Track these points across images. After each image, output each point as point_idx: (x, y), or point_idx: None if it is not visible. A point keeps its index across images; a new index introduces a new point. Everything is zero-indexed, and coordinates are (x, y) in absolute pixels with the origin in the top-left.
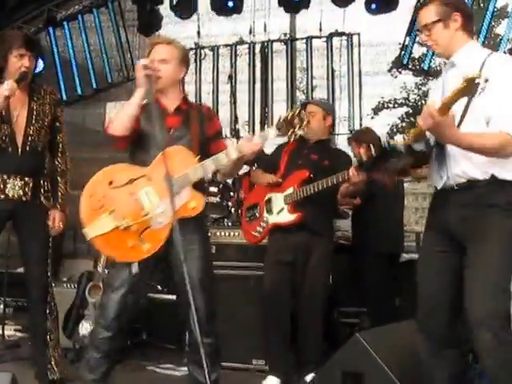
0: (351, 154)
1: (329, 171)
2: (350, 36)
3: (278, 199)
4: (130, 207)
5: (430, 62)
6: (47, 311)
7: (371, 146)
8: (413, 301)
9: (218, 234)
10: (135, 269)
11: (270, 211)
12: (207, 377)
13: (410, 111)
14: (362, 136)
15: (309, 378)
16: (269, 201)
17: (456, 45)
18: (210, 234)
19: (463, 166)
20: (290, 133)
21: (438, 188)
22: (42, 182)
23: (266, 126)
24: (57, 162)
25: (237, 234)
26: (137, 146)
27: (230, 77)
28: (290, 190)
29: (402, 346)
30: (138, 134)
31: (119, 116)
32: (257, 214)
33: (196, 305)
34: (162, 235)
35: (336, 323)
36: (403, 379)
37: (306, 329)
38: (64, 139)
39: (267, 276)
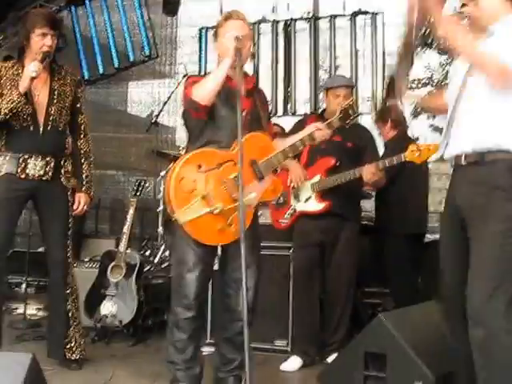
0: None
1: (354, 153)
2: (374, 15)
3: (304, 186)
4: (221, 192)
5: None
6: (67, 291)
7: None
8: (436, 282)
9: None
10: (219, 250)
11: (296, 198)
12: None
13: (434, 91)
14: (387, 114)
15: (331, 358)
16: (295, 187)
17: (500, 14)
18: None
19: (468, 133)
20: (348, 121)
21: (442, 155)
22: (63, 162)
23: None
24: (79, 144)
25: (260, 213)
26: (206, 125)
27: (253, 55)
28: (316, 178)
29: (424, 326)
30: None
31: (205, 84)
32: (284, 200)
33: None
34: (248, 218)
35: (359, 304)
36: (426, 360)
37: (332, 309)
38: (85, 120)
39: (297, 258)
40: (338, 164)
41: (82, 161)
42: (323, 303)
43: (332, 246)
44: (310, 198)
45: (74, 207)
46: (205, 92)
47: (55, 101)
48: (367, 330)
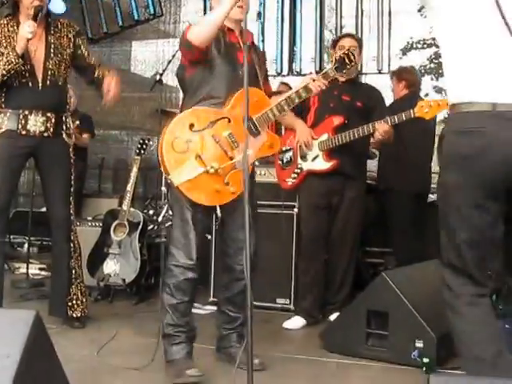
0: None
1: (363, 113)
2: None
3: (312, 145)
4: (216, 151)
5: None
6: (70, 249)
7: None
8: (438, 241)
9: None
10: (219, 212)
11: (304, 157)
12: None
13: (439, 52)
14: (404, 74)
15: (333, 317)
16: (302, 146)
17: None
18: None
19: None
20: (344, 71)
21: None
22: (64, 118)
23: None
24: (98, 72)
25: (263, 172)
26: (203, 79)
27: (259, 14)
28: (324, 137)
29: (427, 285)
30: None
31: (203, 23)
32: (290, 159)
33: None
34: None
35: (361, 263)
36: (428, 318)
37: (336, 269)
38: (97, 60)
39: (305, 219)
40: (346, 122)
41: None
42: (327, 262)
43: (338, 205)
44: (317, 156)
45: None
46: (200, 32)
47: (52, 55)
48: (370, 288)
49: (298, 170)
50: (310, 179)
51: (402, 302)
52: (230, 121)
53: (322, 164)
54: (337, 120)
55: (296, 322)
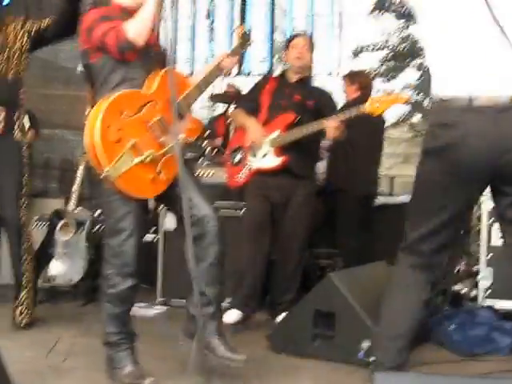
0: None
1: (314, 112)
2: None
3: (262, 143)
4: (148, 137)
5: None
6: (20, 253)
7: None
8: (385, 243)
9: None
10: (152, 204)
11: (253, 155)
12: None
13: (390, 55)
14: (356, 77)
15: (280, 318)
16: (253, 144)
17: None
18: None
19: None
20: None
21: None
22: (16, 115)
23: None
24: None
25: (211, 173)
26: (113, 61)
27: (209, 13)
28: (275, 134)
29: (373, 286)
30: None
31: (138, 21)
32: (241, 158)
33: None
34: (175, 162)
35: (308, 265)
36: (374, 319)
37: (283, 269)
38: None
39: (249, 207)
40: (298, 120)
41: None
42: (274, 263)
43: (286, 204)
44: (267, 153)
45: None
46: (139, 30)
47: None
48: (317, 288)
49: (248, 167)
50: (257, 177)
51: (348, 303)
52: (157, 105)
53: (271, 160)
54: (289, 117)
55: (231, 316)
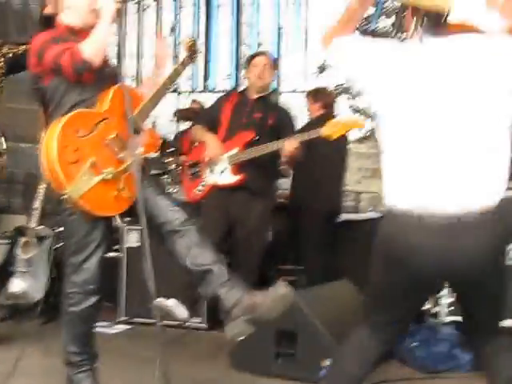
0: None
1: (273, 131)
2: None
3: (220, 159)
4: (107, 155)
5: (377, 23)
6: None
7: None
8: (349, 260)
9: None
10: (118, 221)
11: (211, 171)
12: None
13: None
14: (319, 95)
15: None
16: (211, 160)
17: None
18: None
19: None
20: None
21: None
22: None
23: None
24: None
25: (175, 190)
26: (66, 82)
27: (173, 29)
28: (234, 151)
29: (336, 303)
30: None
31: (94, 41)
32: (198, 173)
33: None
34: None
35: (273, 281)
36: (337, 336)
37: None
38: None
39: (205, 225)
40: (257, 139)
41: None
42: None
43: (242, 221)
44: (225, 170)
45: None
46: (96, 50)
47: None
48: None
49: (205, 183)
50: (214, 193)
51: (309, 321)
52: (112, 121)
53: (228, 177)
54: (248, 136)
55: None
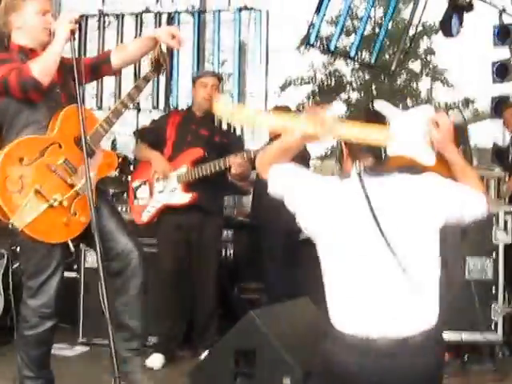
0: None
1: (220, 148)
2: (258, 11)
3: (169, 178)
4: (55, 181)
5: (337, 42)
6: None
7: None
8: (311, 278)
9: None
10: (72, 246)
11: (161, 191)
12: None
13: (316, 90)
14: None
15: (203, 356)
16: (159, 179)
17: None
18: None
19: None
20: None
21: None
22: None
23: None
24: None
25: (124, 209)
26: (16, 104)
27: None
28: (183, 169)
29: (295, 322)
30: None
31: (45, 60)
32: (146, 193)
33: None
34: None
35: (237, 299)
36: (296, 354)
37: (200, 307)
38: None
39: (164, 255)
40: (206, 156)
41: None
42: (192, 301)
43: (197, 241)
44: (175, 189)
45: None
46: (47, 69)
47: None
48: (238, 326)
49: (155, 204)
50: (167, 214)
51: (268, 340)
52: (60, 146)
53: (180, 197)
54: (196, 153)
55: (155, 361)
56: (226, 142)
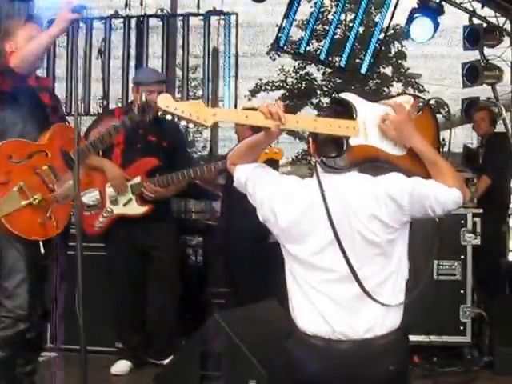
0: None
1: (169, 153)
2: (227, 15)
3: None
4: (37, 182)
5: (307, 46)
6: None
7: None
8: (281, 281)
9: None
10: (42, 247)
11: (114, 201)
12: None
13: (287, 94)
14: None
15: (166, 361)
16: (114, 190)
17: None
18: None
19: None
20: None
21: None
22: None
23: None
24: None
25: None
26: (9, 119)
27: (100, 51)
28: (137, 180)
29: (262, 324)
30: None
31: (28, 49)
32: (96, 203)
33: None
34: (67, 212)
35: (208, 304)
36: (262, 357)
37: (162, 314)
38: None
39: (118, 268)
40: (159, 164)
41: None
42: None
43: (152, 249)
44: (130, 200)
45: None
46: (28, 56)
47: None
48: (203, 330)
49: (107, 214)
50: (120, 224)
51: (233, 343)
52: (47, 154)
53: (135, 209)
54: (150, 162)
55: (122, 366)
56: (174, 144)
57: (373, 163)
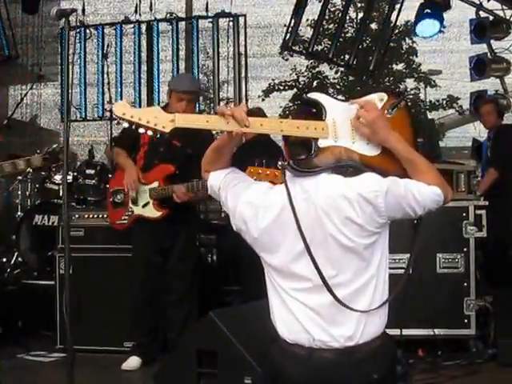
0: None
1: (194, 160)
2: (236, 17)
3: (143, 191)
4: None
5: (316, 44)
6: None
7: None
8: None
9: (87, 216)
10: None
11: (134, 201)
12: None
13: (299, 93)
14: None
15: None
16: (130, 190)
17: None
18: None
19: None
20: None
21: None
22: None
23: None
24: None
25: (96, 215)
26: None
27: (104, 55)
28: (155, 184)
29: (258, 322)
30: None
31: None
32: (122, 201)
33: None
34: None
35: (218, 302)
36: (256, 356)
37: (177, 311)
38: None
39: (138, 268)
40: (176, 172)
41: None
42: (168, 304)
43: (170, 249)
44: (147, 203)
45: None
46: None
47: None
48: (199, 328)
49: (129, 213)
50: (140, 223)
51: (229, 341)
52: None
53: (151, 212)
54: (168, 169)
55: (134, 362)
56: (199, 153)
57: (346, 165)
